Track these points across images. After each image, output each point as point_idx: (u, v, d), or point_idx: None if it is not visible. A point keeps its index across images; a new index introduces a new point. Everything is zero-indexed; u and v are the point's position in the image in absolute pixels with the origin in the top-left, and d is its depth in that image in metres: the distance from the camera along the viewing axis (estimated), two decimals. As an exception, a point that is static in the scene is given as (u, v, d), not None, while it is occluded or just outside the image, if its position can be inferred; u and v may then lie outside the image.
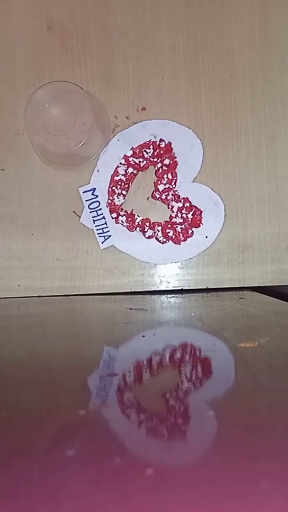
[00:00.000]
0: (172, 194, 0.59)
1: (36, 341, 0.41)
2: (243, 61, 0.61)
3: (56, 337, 0.42)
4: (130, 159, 0.59)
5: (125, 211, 0.60)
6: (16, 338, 0.43)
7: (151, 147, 0.59)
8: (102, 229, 0.59)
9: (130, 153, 0.59)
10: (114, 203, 0.59)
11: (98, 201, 0.59)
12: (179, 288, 0.61)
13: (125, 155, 0.59)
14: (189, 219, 0.59)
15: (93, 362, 0.33)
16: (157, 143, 0.59)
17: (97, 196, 0.59)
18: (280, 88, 0.61)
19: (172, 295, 0.59)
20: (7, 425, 0.22)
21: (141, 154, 0.59)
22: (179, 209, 0.59)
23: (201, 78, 0.61)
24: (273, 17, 0.62)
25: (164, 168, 0.59)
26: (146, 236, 0.59)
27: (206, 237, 0.60)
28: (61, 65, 0.61)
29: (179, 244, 0.59)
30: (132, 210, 0.60)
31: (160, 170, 0.59)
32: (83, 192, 0.59)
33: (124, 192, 0.59)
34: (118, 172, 0.59)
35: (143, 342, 0.37)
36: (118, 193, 0.59)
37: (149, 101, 0.61)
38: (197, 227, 0.59)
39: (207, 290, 0.60)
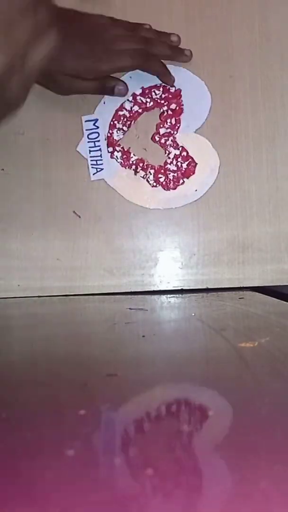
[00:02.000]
0: (171, 140, 0.60)
1: (36, 341, 0.41)
2: (243, 61, 0.61)
3: (56, 337, 0.42)
4: (138, 97, 0.60)
5: (122, 147, 0.60)
6: (16, 338, 0.43)
7: (161, 89, 0.60)
8: (96, 160, 0.60)
9: (139, 91, 0.60)
10: (113, 137, 0.60)
11: (98, 133, 0.60)
12: (179, 288, 0.61)
13: (134, 93, 0.60)
14: (183, 169, 0.59)
15: (93, 362, 0.33)
16: (167, 87, 0.60)
17: (98, 127, 0.60)
18: (280, 88, 0.61)
19: (172, 295, 0.59)
20: (6, 425, 0.22)
21: (149, 95, 0.60)
22: (175, 157, 0.60)
23: (201, 78, 0.61)
24: (273, 17, 0.61)
25: (169, 112, 0.60)
26: (137, 176, 0.60)
27: (196, 190, 0.60)
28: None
29: (168, 190, 0.60)
30: (130, 148, 0.60)
31: (165, 114, 0.60)
32: (85, 121, 0.60)
33: (124, 128, 0.59)
34: (123, 107, 0.60)
35: (143, 342, 0.37)
36: (119, 127, 0.59)
37: (149, 101, 0.61)
38: (188, 178, 0.59)
39: (207, 290, 0.60)
